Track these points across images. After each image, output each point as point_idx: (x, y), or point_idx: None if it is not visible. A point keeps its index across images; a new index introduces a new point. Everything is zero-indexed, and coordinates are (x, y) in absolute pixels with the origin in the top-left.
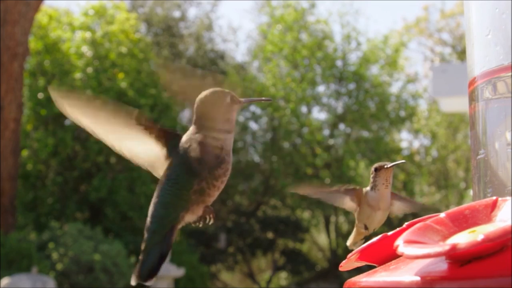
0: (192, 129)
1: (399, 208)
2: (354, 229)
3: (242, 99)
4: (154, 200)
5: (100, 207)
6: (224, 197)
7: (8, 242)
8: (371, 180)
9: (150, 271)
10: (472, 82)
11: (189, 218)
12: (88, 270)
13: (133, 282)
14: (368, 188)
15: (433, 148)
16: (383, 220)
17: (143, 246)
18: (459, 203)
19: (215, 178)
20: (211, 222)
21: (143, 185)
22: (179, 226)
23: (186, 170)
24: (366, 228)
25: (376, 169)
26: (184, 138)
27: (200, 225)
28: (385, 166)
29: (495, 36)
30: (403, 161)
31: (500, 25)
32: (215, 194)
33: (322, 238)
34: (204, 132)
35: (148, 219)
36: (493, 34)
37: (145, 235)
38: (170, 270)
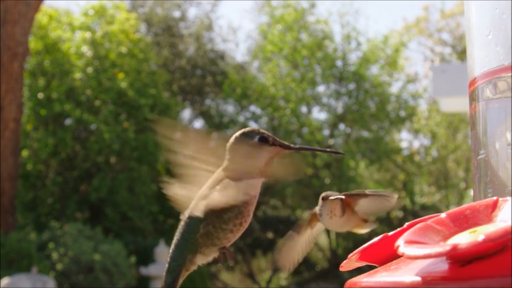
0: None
1: (363, 209)
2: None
3: (292, 145)
4: (173, 240)
5: (100, 207)
6: None
7: (8, 242)
8: (319, 208)
9: None
10: (472, 82)
11: (200, 260)
12: (88, 270)
13: None
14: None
15: (433, 148)
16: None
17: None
18: (459, 203)
19: (224, 222)
20: (231, 263)
21: (143, 185)
22: (191, 268)
23: (197, 214)
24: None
25: (323, 198)
26: (211, 179)
27: (220, 264)
28: (330, 198)
29: (496, 36)
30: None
31: (500, 25)
32: (228, 237)
33: (322, 238)
34: (225, 173)
35: (168, 259)
36: (493, 34)
37: (164, 275)
38: None
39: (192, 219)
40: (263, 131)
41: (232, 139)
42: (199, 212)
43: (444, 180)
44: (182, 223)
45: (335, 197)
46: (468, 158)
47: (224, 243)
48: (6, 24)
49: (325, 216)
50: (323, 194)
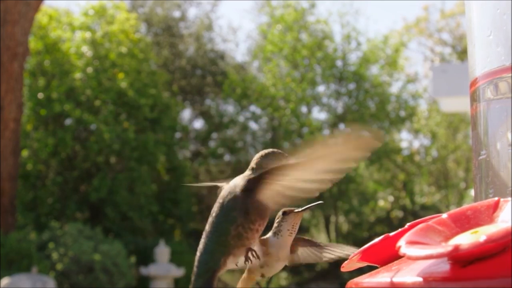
0: (241, 176)
1: (303, 256)
2: (245, 275)
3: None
4: (200, 245)
5: (100, 207)
6: None
7: (8, 242)
8: (276, 224)
9: None
10: (473, 83)
11: (232, 261)
12: (88, 270)
13: None
14: (270, 233)
15: (433, 148)
16: (280, 269)
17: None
18: (459, 203)
19: (251, 222)
20: (254, 261)
21: (143, 185)
22: (222, 270)
23: (225, 217)
24: (263, 276)
25: (284, 213)
26: (230, 184)
27: (245, 264)
28: (295, 211)
29: (496, 36)
30: (319, 202)
31: (501, 26)
32: (254, 237)
33: (322, 238)
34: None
35: (195, 263)
36: (494, 35)
37: (192, 278)
38: (170, 270)
39: (222, 221)
40: (287, 155)
41: (261, 153)
42: (228, 213)
43: (444, 180)
44: (208, 227)
45: (301, 209)
46: (468, 158)
47: (251, 243)
48: (6, 24)
49: (284, 232)
50: (284, 209)
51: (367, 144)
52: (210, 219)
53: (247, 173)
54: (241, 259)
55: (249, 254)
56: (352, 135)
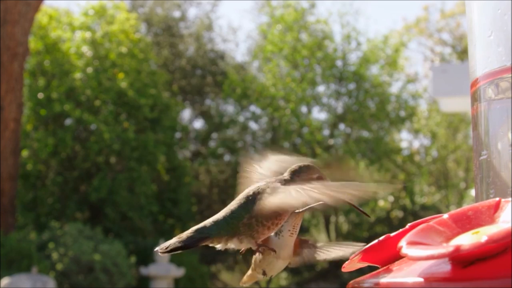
0: (278, 177)
1: (306, 256)
2: (250, 271)
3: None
4: (210, 218)
5: (100, 207)
6: (224, 197)
7: (8, 242)
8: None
9: (169, 249)
10: (474, 83)
11: (235, 244)
12: (88, 270)
13: (158, 248)
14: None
15: (433, 148)
16: (282, 269)
17: (181, 234)
18: (459, 203)
19: (265, 218)
20: (266, 255)
21: (143, 185)
22: (219, 245)
23: (244, 205)
24: (264, 274)
25: None
26: (262, 182)
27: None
28: (296, 211)
29: (497, 37)
30: (319, 203)
31: (502, 26)
32: (265, 232)
33: (322, 238)
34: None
35: (196, 226)
36: (495, 35)
37: (188, 230)
38: (170, 270)
39: (239, 208)
40: (318, 170)
41: (299, 165)
42: (246, 206)
43: (444, 180)
44: (229, 207)
45: (301, 209)
46: (468, 158)
47: (260, 237)
48: (6, 24)
49: (285, 233)
50: None
51: (389, 189)
52: (231, 202)
53: (283, 176)
54: (243, 246)
55: (260, 248)
56: (383, 187)
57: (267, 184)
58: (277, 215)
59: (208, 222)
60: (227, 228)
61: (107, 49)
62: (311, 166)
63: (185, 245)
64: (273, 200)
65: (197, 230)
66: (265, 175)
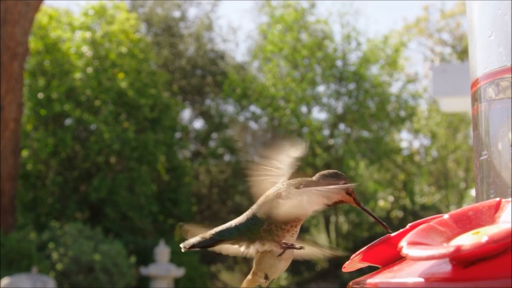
0: (296, 181)
1: (305, 254)
2: (250, 276)
3: (361, 204)
4: (234, 220)
5: (100, 207)
6: (224, 197)
7: (8, 242)
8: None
9: (193, 246)
10: (475, 83)
11: (257, 247)
12: (88, 270)
13: (182, 245)
14: None
15: (433, 148)
16: (284, 270)
17: (204, 233)
18: (459, 203)
19: (283, 223)
20: (299, 247)
21: (143, 185)
22: (240, 245)
23: (263, 211)
24: (266, 278)
25: None
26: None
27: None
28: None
29: (498, 37)
30: None
31: (502, 26)
32: (284, 235)
33: (322, 238)
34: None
35: (221, 227)
36: (495, 35)
37: (211, 231)
38: (170, 270)
39: (259, 213)
40: (346, 178)
41: (323, 173)
42: (264, 213)
43: (444, 180)
44: (250, 210)
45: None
46: (468, 158)
47: (281, 240)
48: (6, 24)
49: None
50: None
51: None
52: (253, 206)
53: (310, 179)
54: (266, 248)
55: (284, 245)
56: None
57: (285, 187)
58: (295, 217)
59: (230, 224)
60: (248, 233)
61: (107, 49)
62: (339, 173)
63: (206, 244)
64: (286, 206)
65: (219, 232)
66: (284, 172)
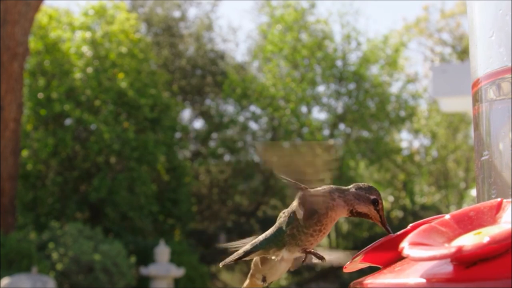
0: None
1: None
2: (248, 280)
3: (387, 226)
4: (266, 232)
5: (100, 207)
6: (224, 197)
7: (8, 242)
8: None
9: (229, 262)
10: (475, 83)
11: (284, 254)
12: (88, 270)
13: (221, 264)
14: None
15: (433, 148)
16: (283, 272)
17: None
18: (459, 203)
19: (305, 227)
20: (323, 260)
21: (143, 185)
22: (269, 255)
23: (288, 218)
24: (264, 280)
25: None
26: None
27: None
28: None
29: (499, 37)
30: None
31: (503, 26)
32: (309, 240)
33: None
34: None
35: (255, 239)
36: (496, 36)
37: (246, 246)
38: (170, 270)
39: (287, 219)
40: (379, 195)
41: (358, 184)
42: (287, 218)
43: (444, 180)
44: (278, 221)
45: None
46: (468, 158)
47: (307, 245)
48: (6, 24)
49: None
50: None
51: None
52: (282, 216)
53: (343, 187)
54: (293, 255)
55: (307, 256)
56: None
57: (308, 191)
58: (316, 221)
59: (263, 235)
60: (274, 240)
61: (107, 49)
62: (372, 187)
63: (239, 257)
64: (305, 209)
65: (252, 244)
66: (318, 178)
